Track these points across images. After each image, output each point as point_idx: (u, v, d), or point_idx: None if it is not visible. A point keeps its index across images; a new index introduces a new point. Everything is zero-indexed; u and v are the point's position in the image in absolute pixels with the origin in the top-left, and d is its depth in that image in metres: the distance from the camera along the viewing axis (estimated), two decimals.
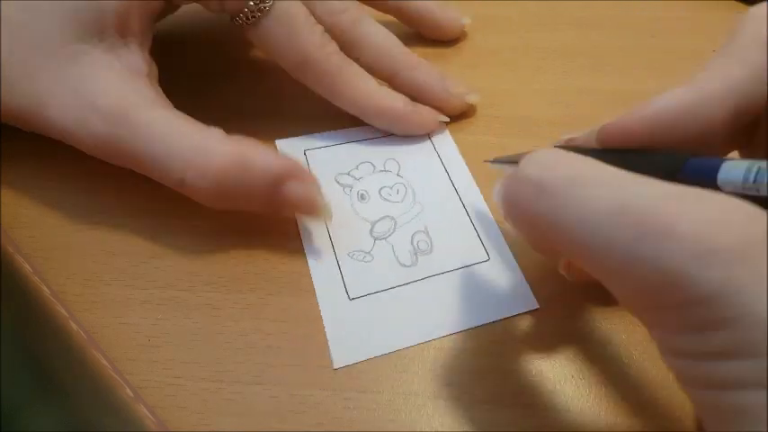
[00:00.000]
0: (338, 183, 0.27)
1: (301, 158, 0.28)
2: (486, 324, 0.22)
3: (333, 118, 0.29)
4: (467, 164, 0.28)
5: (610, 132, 0.18)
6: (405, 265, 0.24)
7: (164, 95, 0.25)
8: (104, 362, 0.21)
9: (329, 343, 0.22)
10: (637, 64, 0.31)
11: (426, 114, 0.28)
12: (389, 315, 0.23)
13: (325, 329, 0.22)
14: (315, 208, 0.24)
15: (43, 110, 0.24)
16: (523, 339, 0.22)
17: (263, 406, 0.21)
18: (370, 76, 0.28)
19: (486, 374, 0.21)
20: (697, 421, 0.19)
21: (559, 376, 0.21)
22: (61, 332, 0.21)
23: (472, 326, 0.22)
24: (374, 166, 0.27)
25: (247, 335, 0.22)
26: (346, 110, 0.28)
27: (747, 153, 0.19)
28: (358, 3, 0.29)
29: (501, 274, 0.24)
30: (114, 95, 0.24)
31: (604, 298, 0.19)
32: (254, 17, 0.25)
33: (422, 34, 0.33)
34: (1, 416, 0.17)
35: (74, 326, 0.22)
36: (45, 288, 0.23)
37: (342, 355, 0.22)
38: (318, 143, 0.28)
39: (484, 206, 0.26)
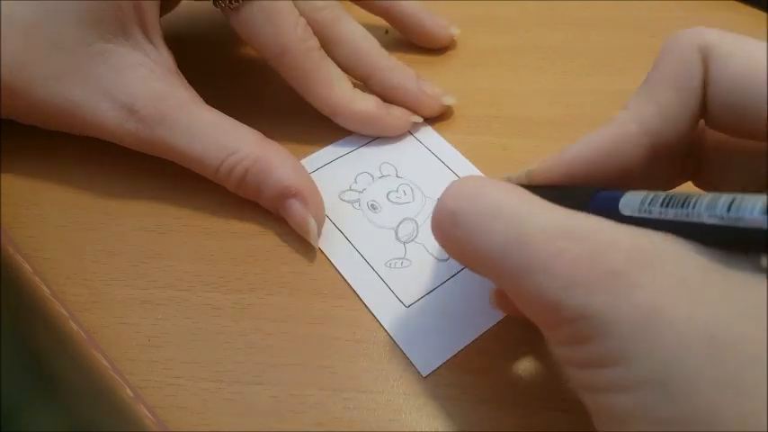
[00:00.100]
0: (344, 200, 0.27)
1: None
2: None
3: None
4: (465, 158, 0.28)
5: (535, 177, 0.19)
6: (442, 260, 0.24)
7: (193, 89, 0.26)
8: (104, 362, 0.21)
9: (408, 354, 0.22)
10: (637, 64, 0.31)
11: (399, 115, 0.28)
12: (449, 310, 0.23)
13: (397, 342, 0.22)
14: (304, 230, 0.24)
15: (78, 111, 0.25)
16: (524, 339, 0.22)
17: (263, 406, 0.21)
18: (345, 77, 0.28)
19: (487, 374, 0.21)
20: None
21: (560, 376, 0.21)
22: (61, 332, 0.21)
23: None
24: (372, 175, 0.27)
25: (247, 335, 0.22)
26: (318, 109, 0.28)
27: (698, 182, 0.20)
28: (339, 2, 0.29)
29: None
30: (150, 97, 0.24)
31: None
32: (238, 2, 0.25)
33: (410, 41, 0.33)
34: (1, 416, 0.17)
35: (74, 326, 0.22)
36: (45, 288, 0.23)
37: (426, 362, 0.22)
38: (313, 165, 0.28)
39: None
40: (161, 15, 0.26)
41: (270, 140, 0.26)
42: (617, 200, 0.16)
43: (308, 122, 0.29)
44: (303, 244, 0.25)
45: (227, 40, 0.33)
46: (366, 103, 0.28)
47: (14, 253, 0.24)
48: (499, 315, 0.22)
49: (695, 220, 0.14)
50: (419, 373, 0.21)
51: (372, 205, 0.26)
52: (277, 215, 0.25)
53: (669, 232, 0.15)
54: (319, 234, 0.25)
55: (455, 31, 0.32)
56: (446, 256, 0.24)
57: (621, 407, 0.14)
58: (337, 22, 0.28)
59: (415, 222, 0.26)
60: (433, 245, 0.25)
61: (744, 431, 0.12)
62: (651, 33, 0.33)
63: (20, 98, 0.25)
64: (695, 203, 0.14)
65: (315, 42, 0.27)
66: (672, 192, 0.15)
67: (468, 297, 0.23)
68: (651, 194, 0.15)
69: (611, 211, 0.16)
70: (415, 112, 0.29)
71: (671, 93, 0.17)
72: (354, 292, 0.24)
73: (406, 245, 0.25)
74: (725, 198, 0.13)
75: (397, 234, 0.25)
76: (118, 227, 0.26)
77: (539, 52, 0.32)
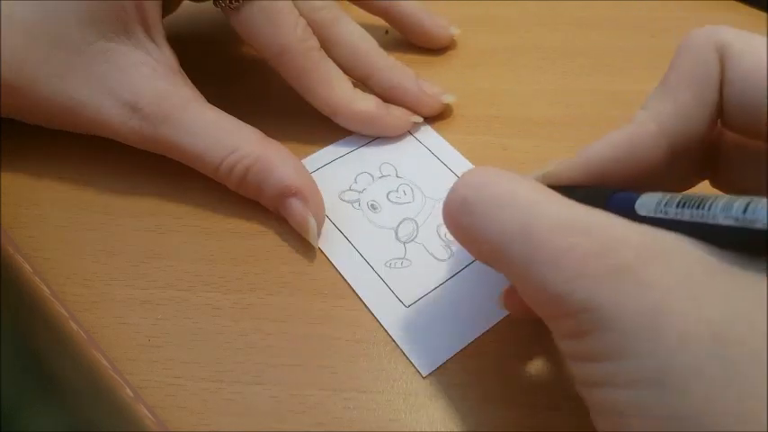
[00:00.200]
0: (344, 201, 0.27)
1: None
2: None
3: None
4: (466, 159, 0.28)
5: (553, 178, 0.19)
6: (442, 260, 0.24)
7: (195, 88, 0.26)
8: (104, 362, 0.21)
9: (408, 354, 0.22)
10: (637, 64, 0.31)
11: (399, 115, 0.28)
12: (449, 310, 0.23)
13: (397, 342, 0.22)
14: (304, 229, 0.24)
15: (81, 109, 0.25)
16: (524, 339, 0.22)
17: (263, 406, 0.21)
18: (345, 77, 0.28)
19: (487, 374, 0.21)
20: None
21: (560, 376, 0.21)
22: (61, 332, 0.21)
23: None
24: (372, 175, 0.27)
25: (247, 335, 0.22)
26: (318, 109, 0.28)
27: (715, 183, 0.20)
28: (338, 3, 0.29)
29: None
30: (153, 95, 0.24)
31: None
32: (238, 2, 0.25)
33: (410, 41, 0.33)
34: (1, 416, 0.17)
35: (74, 326, 0.22)
36: (45, 288, 0.23)
37: (426, 362, 0.22)
38: (314, 165, 0.28)
39: None
40: (162, 16, 0.26)
41: (271, 140, 0.26)
42: (633, 201, 0.16)
43: (308, 122, 0.29)
44: (303, 244, 0.25)
45: (227, 40, 0.33)
46: (366, 103, 0.28)
47: (14, 253, 0.24)
48: (499, 315, 0.22)
49: (711, 221, 0.14)
50: (419, 373, 0.21)
51: (372, 205, 0.26)
52: (277, 215, 0.25)
53: (683, 233, 0.15)
54: (319, 234, 0.25)
55: (455, 31, 0.32)
56: (446, 255, 0.24)
57: (618, 402, 0.14)
58: (336, 22, 0.28)
59: (415, 222, 0.26)
60: (433, 245, 0.25)
61: (742, 431, 0.12)
62: (651, 33, 0.33)
63: (24, 96, 0.25)
64: (711, 205, 0.14)
65: (315, 42, 0.27)
66: (688, 193, 0.15)
67: (469, 297, 0.23)
68: (667, 196, 0.15)
69: (626, 213, 0.16)
70: (414, 111, 0.29)
71: (689, 92, 0.17)
72: (354, 292, 0.24)
73: (406, 245, 0.25)
74: (741, 200, 0.13)
75: (397, 234, 0.25)
76: (118, 227, 0.26)
77: (539, 52, 0.32)
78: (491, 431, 0.20)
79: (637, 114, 0.18)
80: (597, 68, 0.32)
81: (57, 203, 0.27)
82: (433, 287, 0.24)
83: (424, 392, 0.21)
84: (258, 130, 0.26)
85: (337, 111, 0.28)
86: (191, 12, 0.30)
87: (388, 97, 0.28)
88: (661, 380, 0.13)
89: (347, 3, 0.31)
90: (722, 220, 0.14)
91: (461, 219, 0.17)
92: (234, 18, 0.26)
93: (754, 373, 0.12)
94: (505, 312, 0.22)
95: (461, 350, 0.22)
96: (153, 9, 0.25)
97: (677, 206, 0.15)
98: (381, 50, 0.29)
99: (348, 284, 0.24)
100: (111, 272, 0.24)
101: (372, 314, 0.23)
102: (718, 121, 0.18)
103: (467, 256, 0.24)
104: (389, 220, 0.26)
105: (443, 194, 0.18)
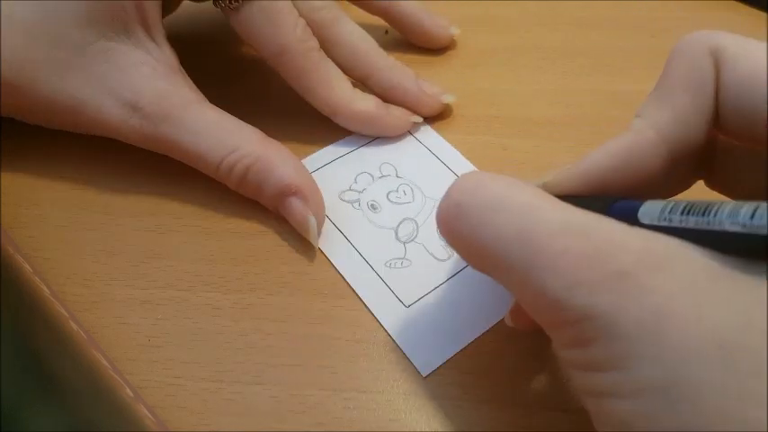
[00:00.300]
0: (344, 200, 0.27)
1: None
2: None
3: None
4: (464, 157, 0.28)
5: (551, 188, 0.19)
6: (442, 260, 0.24)
7: (196, 88, 0.26)
8: (104, 362, 0.21)
9: (408, 354, 0.22)
10: (637, 64, 0.31)
11: (399, 115, 0.28)
12: (449, 310, 0.23)
13: (397, 342, 0.22)
14: (304, 228, 0.24)
15: (82, 109, 0.25)
16: (523, 339, 0.22)
17: (263, 406, 0.21)
18: (345, 77, 0.28)
19: (486, 374, 0.21)
20: None
21: (560, 376, 0.21)
22: (61, 332, 0.21)
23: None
24: (372, 175, 0.27)
25: (247, 335, 0.22)
26: (318, 109, 0.28)
27: (711, 183, 0.20)
28: (338, 3, 0.29)
29: None
30: (153, 94, 0.24)
31: None
32: (237, 2, 0.25)
33: (410, 41, 0.33)
34: (1, 416, 0.17)
35: (74, 326, 0.22)
36: (45, 288, 0.23)
37: (426, 362, 0.22)
38: (314, 165, 0.28)
39: None
40: (162, 16, 0.26)
41: (272, 140, 0.26)
42: (635, 209, 0.16)
43: (308, 122, 0.29)
44: (303, 244, 0.25)
45: (227, 40, 0.33)
46: (366, 103, 0.28)
47: (14, 253, 0.24)
48: (499, 315, 0.22)
49: (717, 228, 0.14)
50: (419, 373, 0.21)
51: (372, 205, 0.26)
52: (277, 214, 0.25)
53: (688, 239, 0.14)
54: (319, 233, 0.25)
55: (455, 31, 0.32)
56: (446, 256, 0.24)
57: (624, 413, 0.14)
58: (336, 22, 0.28)
59: (415, 222, 0.26)
60: (432, 245, 0.25)
61: None
62: (651, 33, 0.33)
63: (24, 96, 0.25)
64: (717, 211, 0.14)
65: (314, 43, 0.27)
66: (692, 200, 0.15)
67: (468, 297, 0.23)
68: (671, 203, 0.15)
69: (628, 221, 0.15)
70: (414, 111, 0.29)
71: (686, 98, 0.17)
72: (354, 292, 0.24)
73: (406, 245, 0.25)
74: (748, 206, 0.13)
75: (397, 234, 0.25)
76: (118, 227, 0.26)
77: (539, 52, 0.32)
78: (490, 431, 0.20)
79: (633, 122, 0.18)
80: (597, 68, 0.32)
81: (57, 203, 0.27)
82: (433, 287, 0.24)
83: (424, 392, 0.21)
84: (259, 130, 0.26)
85: (337, 111, 0.28)
86: (191, 12, 0.30)
87: (387, 97, 0.28)
88: (667, 389, 0.13)
89: (347, 3, 0.31)
90: (729, 227, 0.13)
91: (456, 224, 0.17)
92: (234, 18, 0.26)
93: (761, 381, 0.12)
94: (503, 310, 0.22)
95: (461, 350, 0.22)
96: (153, 9, 0.25)
97: (682, 213, 0.15)
98: (381, 50, 0.29)
99: (348, 284, 0.24)
100: (111, 272, 0.24)
101: (372, 314, 0.23)
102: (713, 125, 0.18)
103: None
104: (389, 220, 0.26)
105: (441, 191, 0.18)
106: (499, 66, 0.32)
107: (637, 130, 0.17)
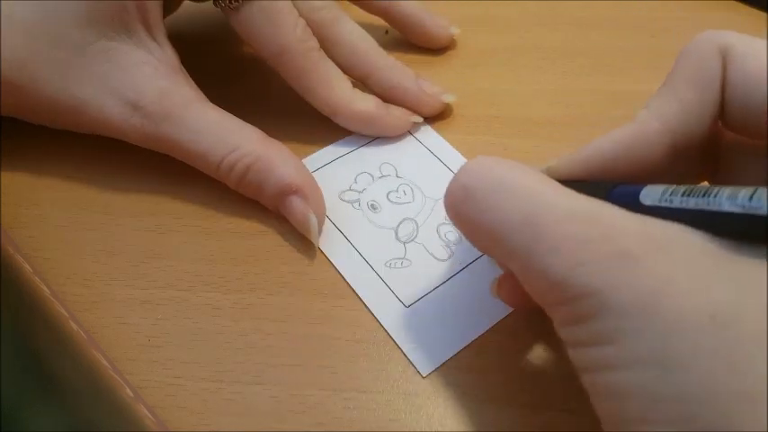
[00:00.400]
0: (344, 201, 0.26)
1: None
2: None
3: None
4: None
5: (554, 173, 0.19)
6: (442, 260, 0.24)
7: (197, 87, 0.26)
8: (104, 362, 0.21)
9: (408, 354, 0.22)
10: (637, 64, 0.31)
11: (399, 115, 0.28)
12: (449, 310, 0.23)
13: (397, 342, 0.22)
14: (304, 227, 0.24)
15: (84, 108, 0.25)
16: (524, 338, 0.22)
17: (263, 406, 0.21)
18: (345, 77, 0.28)
19: (487, 374, 0.21)
20: None
21: (560, 375, 0.21)
22: (61, 332, 0.21)
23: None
24: (372, 175, 0.27)
25: (247, 335, 0.22)
26: (318, 109, 0.28)
27: (715, 183, 0.20)
28: (338, 3, 0.29)
29: None
30: (155, 94, 0.25)
31: None
32: (237, 2, 0.25)
33: (410, 41, 0.33)
34: (1, 416, 0.17)
35: (74, 326, 0.22)
36: (45, 288, 0.23)
37: (426, 362, 0.22)
38: (314, 165, 0.28)
39: None
40: (163, 16, 0.26)
41: (272, 139, 0.26)
42: (636, 193, 0.16)
43: (308, 122, 0.29)
44: (303, 244, 0.25)
45: (227, 40, 0.33)
46: (366, 103, 0.28)
47: (14, 253, 0.24)
48: (500, 315, 0.22)
49: (716, 208, 0.14)
50: (419, 373, 0.21)
51: (372, 205, 0.26)
52: (277, 214, 0.25)
53: (686, 224, 0.15)
54: (320, 232, 0.25)
55: (455, 31, 0.32)
56: (446, 256, 0.24)
57: (619, 385, 0.14)
58: (336, 22, 0.28)
59: (415, 222, 0.26)
60: (432, 245, 0.25)
61: (740, 408, 0.12)
62: (651, 33, 0.33)
63: (26, 96, 0.25)
64: (716, 194, 0.14)
65: (314, 43, 0.27)
66: (692, 185, 0.15)
67: (468, 297, 0.23)
68: (672, 186, 0.16)
69: (628, 205, 0.16)
70: (414, 111, 0.29)
71: (692, 92, 0.17)
72: (354, 292, 0.24)
73: (406, 245, 0.25)
74: (746, 189, 0.14)
75: (397, 234, 0.25)
76: (118, 227, 0.26)
77: (539, 52, 0.32)
78: (491, 431, 0.20)
79: (639, 114, 0.18)
80: (597, 68, 0.32)
81: (57, 203, 0.27)
82: (433, 287, 0.24)
83: (424, 392, 0.21)
84: (259, 130, 0.26)
85: (337, 111, 0.28)
86: (191, 12, 0.30)
87: (387, 97, 0.28)
88: (660, 359, 0.13)
89: (347, 3, 0.31)
90: (728, 208, 0.14)
91: (463, 207, 0.17)
92: (234, 18, 0.26)
93: (754, 352, 0.13)
94: (506, 312, 0.22)
95: (461, 350, 0.22)
96: (154, 8, 0.25)
97: (682, 195, 0.15)
98: (381, 50, 0.29)
99: (348, 284, 0.24)
100: (111, 272, 0.24)
101: (372, 314, 0.23)
102: (719, 121, 0.18)
103: (467, 256, 0.24)
104: (389, 220, 0.26)
105: (441, 191, 0.18)
106: (499, 66, 0.32)
107: (642, 120, 0.18)
